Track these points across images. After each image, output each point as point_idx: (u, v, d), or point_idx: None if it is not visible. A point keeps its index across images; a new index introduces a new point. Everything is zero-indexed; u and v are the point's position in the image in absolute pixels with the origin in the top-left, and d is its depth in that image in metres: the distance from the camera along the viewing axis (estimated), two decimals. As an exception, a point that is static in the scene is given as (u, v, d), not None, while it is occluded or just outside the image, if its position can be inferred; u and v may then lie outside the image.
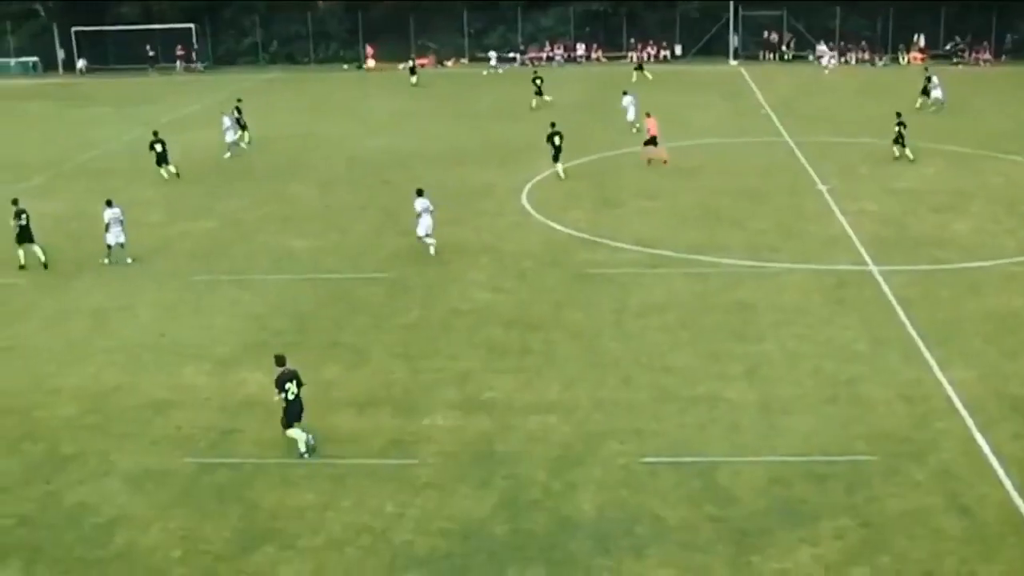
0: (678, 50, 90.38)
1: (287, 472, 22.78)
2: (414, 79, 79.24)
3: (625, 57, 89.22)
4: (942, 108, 61.18)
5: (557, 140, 47.38)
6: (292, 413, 23.58)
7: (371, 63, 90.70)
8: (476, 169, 49.61)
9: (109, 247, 37.36)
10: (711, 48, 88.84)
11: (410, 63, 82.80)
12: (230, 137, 54.80)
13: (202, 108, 70.50)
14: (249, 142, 57.09)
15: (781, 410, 24.73)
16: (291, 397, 23.49)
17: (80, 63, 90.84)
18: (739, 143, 54.49)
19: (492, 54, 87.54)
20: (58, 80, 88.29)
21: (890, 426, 23.81)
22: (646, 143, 49.92)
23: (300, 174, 50.24)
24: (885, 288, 32.33)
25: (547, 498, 21.38)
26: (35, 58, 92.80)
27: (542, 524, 20.44)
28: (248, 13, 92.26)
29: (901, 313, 30.30)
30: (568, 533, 20.08)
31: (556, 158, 47.50)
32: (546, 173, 47.94)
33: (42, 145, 59.74)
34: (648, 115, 51.29)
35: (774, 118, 60.95)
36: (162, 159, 49.91)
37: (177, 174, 49.80)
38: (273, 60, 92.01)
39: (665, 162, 49.37)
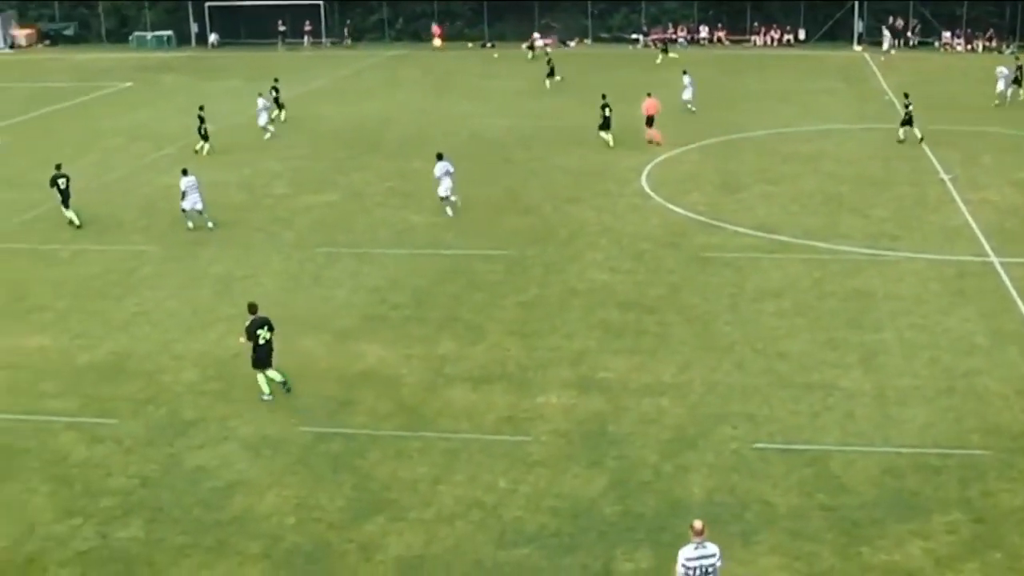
0: (801, 34, 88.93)
1: (401, 444, 22.93)
2: (531, 55, 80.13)
3: (748, 41, 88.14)
4: (1005, 102, 59.14)
5: (607, 111, 49.72)
6: (261, 356, 25.34)
7: (437, 43, 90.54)
8: (596, 149, 49.26)
9: (184, 211, 38.71)
10: (835, 33, 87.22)
11: (530, 41, 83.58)
12: (263, 120, 54.47)
13: (328, 83, 71.14)
14: (284, 120, 57.53)
15: (896, 400, 24.30)
16: (261, 342, 25.25)
17: (212, 37, 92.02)
18: (861, 129, 53.50)
19: (536, 35, 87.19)
20: (191, 53, 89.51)
21: (1006, 421, 23.28)
22: (647, 123, 50.53)
23: (423, 150, 50.19)
24: (1006, 280, 31.57)
25: (657, 480, 21.27)
26: (170, 32, 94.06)
27: (651, 506, 20.33)
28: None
29: (1022, 306, 29.58)
30: (677, 516, 19.91)
31: (604, 127, 49.57)
32: (666, 155, 47.61)
33: (175, 116, 60.63)
34: (649, 95, 51.64)
35: (897, 105, 59.71)
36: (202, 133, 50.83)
37: (198, 151, 50.42)
38: (398, 37, 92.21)
39: (659, 143, 49.62)
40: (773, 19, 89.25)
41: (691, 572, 15.55)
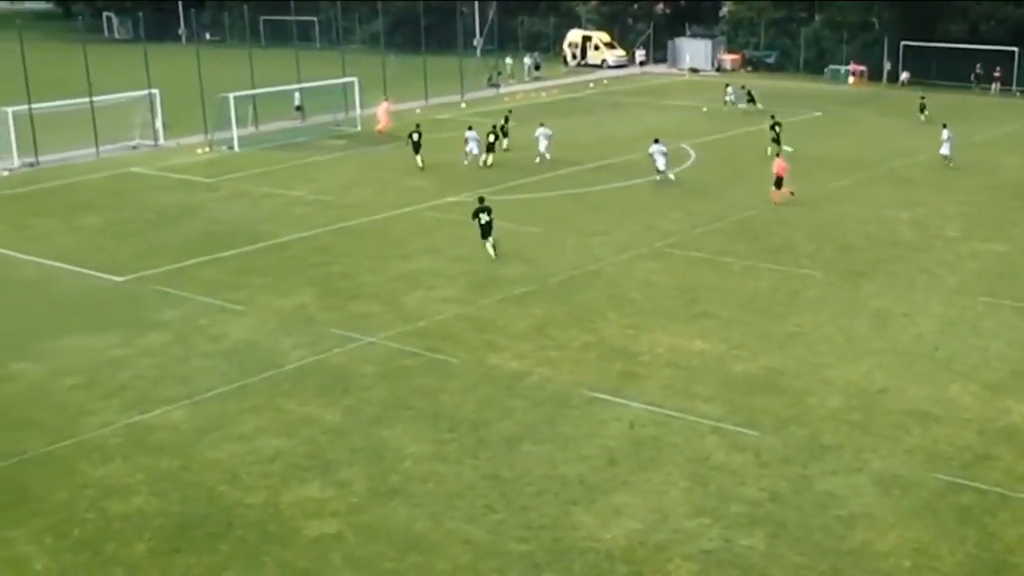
0: None
1: (1034, 510, 21.51)
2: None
3: None
4: None
5: None
6: (484, 231, 37.50)
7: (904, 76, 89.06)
8: None
9: (658, 171, 49.46)
10: None
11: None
12: (543, 145, 55.98)
13: (1014, 130, 67.69)
14: (507, 149, 58.49)
15: None
16: (483, 222, 37.34)
17: (903, 75, 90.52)
18: None
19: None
20: (879, 89, 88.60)
21: None
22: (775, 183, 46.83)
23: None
24: None
25: None
26: (863, 67, 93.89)
27: None
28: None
29: None
30: None
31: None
32: None
33: (855, 149, 60.43)
34: (778, 154, 49.97)
35: None
36: (416, 148, 54.77)
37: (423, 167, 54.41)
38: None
39: (776, 203, 46.23)
40: None
41: None
